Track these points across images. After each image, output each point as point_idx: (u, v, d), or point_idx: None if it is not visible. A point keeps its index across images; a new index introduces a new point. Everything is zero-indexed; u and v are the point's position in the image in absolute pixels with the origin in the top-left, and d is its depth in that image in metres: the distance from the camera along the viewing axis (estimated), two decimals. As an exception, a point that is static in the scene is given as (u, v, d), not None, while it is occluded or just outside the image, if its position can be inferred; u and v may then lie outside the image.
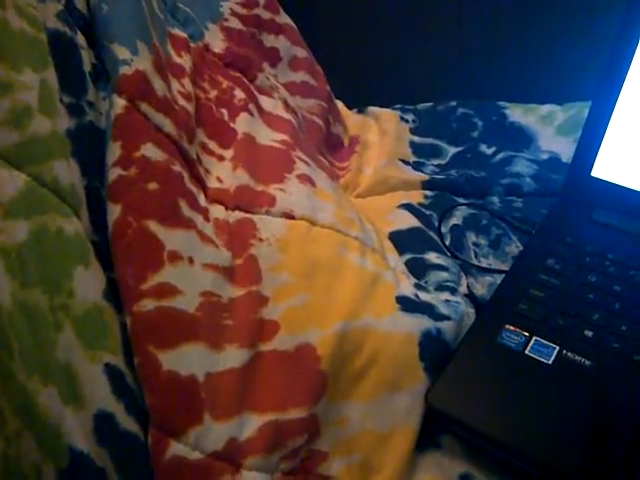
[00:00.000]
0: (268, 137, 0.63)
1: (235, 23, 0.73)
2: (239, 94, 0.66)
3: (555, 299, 0.55)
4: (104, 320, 0.45)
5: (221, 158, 0.59)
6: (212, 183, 0.57)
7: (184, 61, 0.63)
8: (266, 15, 0.76)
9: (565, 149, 0.76)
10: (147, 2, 0.62)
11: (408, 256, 0.61)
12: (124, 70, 0.53)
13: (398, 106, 0.86)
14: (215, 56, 0.69)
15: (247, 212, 0.55)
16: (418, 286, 0.57)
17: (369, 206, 0.70)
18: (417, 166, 0.77)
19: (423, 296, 0.55)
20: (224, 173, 0.58)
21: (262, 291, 0.51)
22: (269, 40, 0.75)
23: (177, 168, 0.53)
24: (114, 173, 0.49)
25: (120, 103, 0.51)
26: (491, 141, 0.79)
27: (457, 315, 0.54)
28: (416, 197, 0.71)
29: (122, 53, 0.53)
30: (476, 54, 0.89)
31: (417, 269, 0.60)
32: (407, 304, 0.53)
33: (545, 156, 0.76)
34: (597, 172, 0.64)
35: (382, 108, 0.86)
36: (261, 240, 0.54)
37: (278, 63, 0.75)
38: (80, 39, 0.54)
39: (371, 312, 0.51)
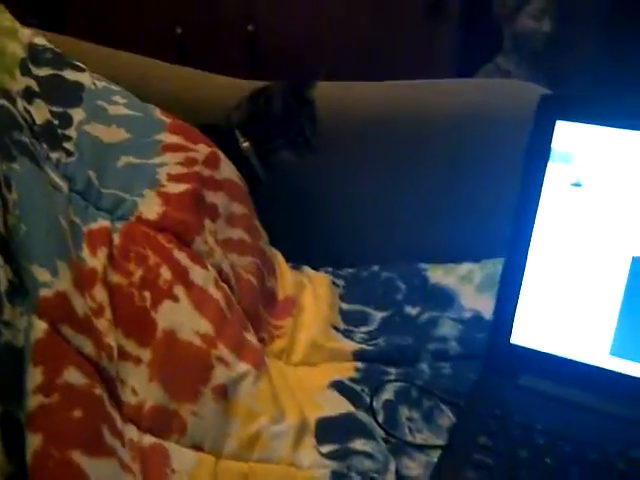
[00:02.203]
0: (191, 327, 0.63)
1: (174, 187, 0.72)
2: (165, 273, 0.65)
3: (490, 480, 0.55)
4: None
5: (138, 361, 0.59)
6: (127, 396, 0.57)
7: (98, 260, 0.62)
8: (206, 172, 0.77)
9: (486, 306, 0.79)
10: (64, 213, 0.62)
11: (332, 447, 0.61)
12: (44, 292, 0.52)
13: (330, 269, 0.88)
14: (149, 225, 0.67)
15: (158, 437, 0.56)
16: (335, 475, 0.58)
17: (300, 381, 0.70)
18: (347, 334, 0.78)
19: None
20: (139, 383, 0.58)
21: None
22: (209, 196, 0.76)
23: (98, 391, 0.52)
24: (35, 400, 0.48)
25: (40, 326, 0.51)
26: (415, 302, 0.81)
27: None
28: (347, 370, 0.72)
29: (41, 275, 0.53)
30: (398, 216, 0.93)
31: (340, 457, 0.60)
32: None
33: (468, 314, 0.79)
34: (516, 339, 0.66)
35: (315, 270, 0.87)
36: (174, 471, 0.55)
37: (217, 219, 0.76)
38: None
39: None
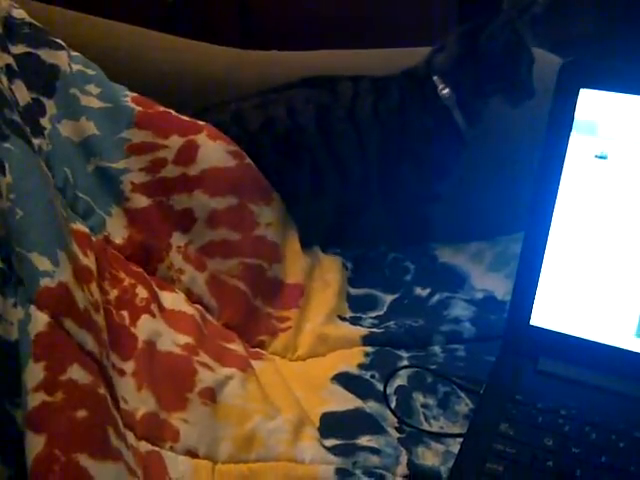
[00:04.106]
0: (170, 341, 0.62)
1: (138, 200, 0.71)
2: (141, 292, 0.64)
3: (513, 472, 0.52)
4: None
5: (122, 373, 0.57)
6: (121, 404, 0.54)
7: (90, 262, 0.61)
8: (176, 172, 0.72)
9: (498, 286, 0.76)
10: (58, 200, 0.60)
11: (337, 442, 0.58)
12: (45, 282, 0.50)
13: (338, 250, 0.83)
14: (116, 248, 0.68)
15: (154, 445, 0.54)
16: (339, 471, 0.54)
17: (306, 376, 0.67)
18: (355, 321, 0.75)
19: None
20: (128, 393, 0.56)
21: None
22: (180, 202, 0.72)
23: (102, 390, 0.50)
24: (37, 399, 0.45)
25: (42, 319, 0.48)
26: (425, 283, 0.78)
27: None
28: (356, 356, 0.69)
29: (42, 264, 0.50)
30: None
31: (345, 453, 0.57)
32: None
33: (480, 295, 0.76)
34: (536, 320, 0.62)
35: (325, 253, 0.82)
36: None
37: (192, 226, 0.72)
38: None
39: None
